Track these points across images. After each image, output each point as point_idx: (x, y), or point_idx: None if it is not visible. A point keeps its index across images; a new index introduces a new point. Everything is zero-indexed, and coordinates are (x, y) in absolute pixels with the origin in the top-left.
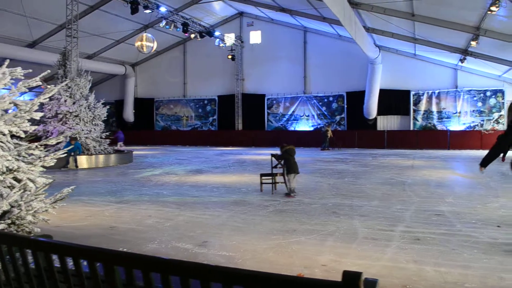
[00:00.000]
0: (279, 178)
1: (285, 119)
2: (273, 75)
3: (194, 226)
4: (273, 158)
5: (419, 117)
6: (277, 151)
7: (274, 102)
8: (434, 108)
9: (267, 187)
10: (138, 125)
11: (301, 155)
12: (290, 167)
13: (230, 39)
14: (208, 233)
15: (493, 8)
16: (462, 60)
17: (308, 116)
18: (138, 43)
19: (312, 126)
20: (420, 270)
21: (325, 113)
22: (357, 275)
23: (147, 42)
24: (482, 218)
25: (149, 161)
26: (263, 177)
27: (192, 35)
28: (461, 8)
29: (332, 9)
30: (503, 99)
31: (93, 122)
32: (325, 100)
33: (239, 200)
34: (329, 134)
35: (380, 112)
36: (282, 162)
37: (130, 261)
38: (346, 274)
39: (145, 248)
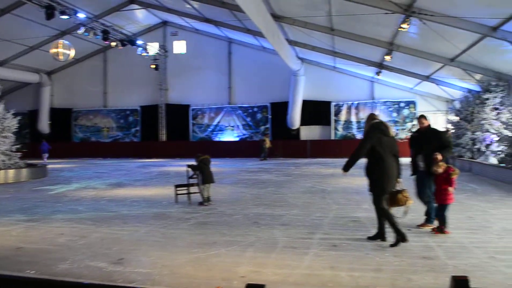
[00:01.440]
0: (195, 189)
1: (210, 129)
2: (198, 86)
3: (110, 243)
4: (189, 169)
5: (340, 127)
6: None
7: (199, 112)
8: (353, 118)
9: (193, 199)
10: (54, 137)
11: (226, 166)
12: (205, 177)
13: (153, 48)
14: (125, 250)
15: (404, 26)
16: (378, 73)
17: (233, 126)
18: (53, 50)
19: (237, 136)
20: (335, 275)
21: (250, 123)
22: (260, 286)
23: (64, 49)
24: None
25: (65, 175)
26: (178, 189)
27: (113, 43)
28: (376, 25)
29: (254, 21)
30: (415, 109)
31: (2, 135)
32: (250, 110)
33: (159, 214)
34: (267, 144)
35: (303, 122)
36: (198, 172)
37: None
38: (249, 286)
39: (55, 269)
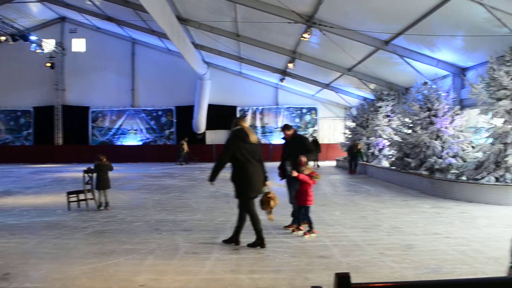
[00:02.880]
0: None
1: (111, 133)
2: (98, 87)
3: None
4: (86, 175)
5: None
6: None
7: (100, 115)
8: (258, 123)
9: (92, 206)
10: None
11: (129, 171)
12: (99, 183)
13: (49, 45)
14: (11, 264)
15: (305, 35)
16: (281, 80)
17: (136, 130)
18: None
19: (141, 140)
20: (235, 279)
21: (154, 127)
22: None
23: None
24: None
25: None
26: (70, 196)
27: (3, 38)
28: (280, 33)
29: (159, 23)
30: (316, 115)
31: None
32: (154, 114)
33: (52, 223)
34: (185, 148)
35: (209, 126)
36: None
37: None
38: None
39: None
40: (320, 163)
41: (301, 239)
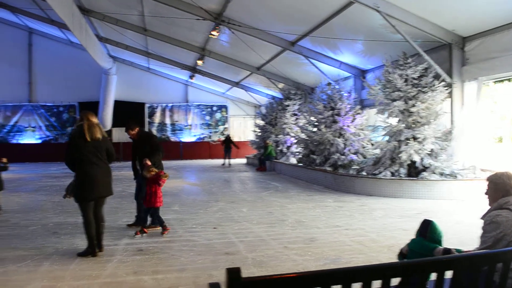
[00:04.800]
0: None
1: (6, 130)
2: None
3: None
4: None
5: (154, 129)
6: None
7: None
8: (168, 121)
9: None
10: None
11: (26, 171)
12: None
13: None
14: None
15: (214, 33)
16: (191, 77)
17: (34, 127)
18: None
19: (40, 138)
20: (138, 280)
21: (55, 124)
22: None
23: None
24: (202, 222)
25: None
26: None
27: None
28: (189, 30)
29: (57, 12)
30: (227, 113)
31: None
32: (55, 110)
33: None
34: None
35: (116, 123)
36: None
37: None
38: None
39: None
40: (231, 160)
41: (206, 237)
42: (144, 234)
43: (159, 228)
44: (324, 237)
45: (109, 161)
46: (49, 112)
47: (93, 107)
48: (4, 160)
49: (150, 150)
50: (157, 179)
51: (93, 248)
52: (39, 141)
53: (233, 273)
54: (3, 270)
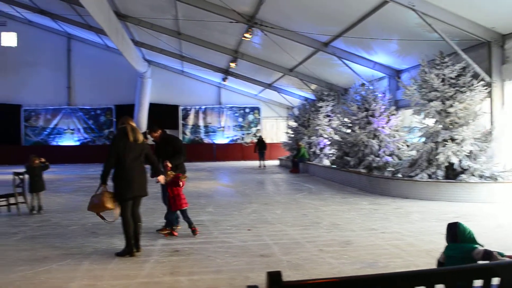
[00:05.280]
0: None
1: (46, 132)
2: (31, 84)
3: None
4: (16, 177)
5: (188, 131)
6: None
7: (33, 113)
8: (201, 123)
9: (23, 210)
10: None
11: (65, 172)
12: (32, 185)
13: None
14: None
15: (247, 35)
16: (224, 79)
17: (73, 129)
18: None
19: (78, 140)
20: (175, 281)
21: (93, 126)
22: None
23: None
24: (237, 223)
25: None
26: None
27: None
28: (222, 32)
29: (95, 18)
30: (259, 115)
31: None
32: (93, 113)
33: None
34: None
35: (150, 125)
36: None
37: None
38: None
39: None
40: (266, 162)
41: (241, 238)
42: (173, 237)
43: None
44: (360, 240)
45: (149, 163)
46: (87, 115)
47: (129, 109)
48: (43, 160)
49: (173, 152)
50: (177, 181)
51: (131, 248)
52: (77, 143)
53: (274, 277)
54: (46, 268)
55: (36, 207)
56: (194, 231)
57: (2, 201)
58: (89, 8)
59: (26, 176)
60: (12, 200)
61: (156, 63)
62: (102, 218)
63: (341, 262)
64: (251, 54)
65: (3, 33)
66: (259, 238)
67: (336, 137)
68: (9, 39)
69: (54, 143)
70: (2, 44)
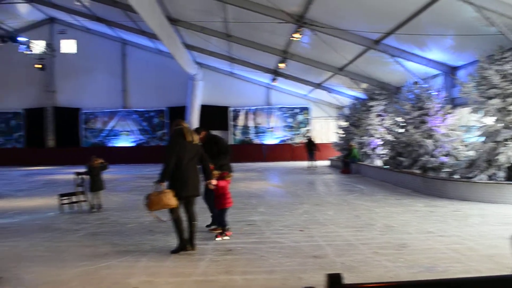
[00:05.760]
0: (84, 197)
1: (103, 134)
2: (89, 88)
3: None
4: (78, 177)
5: (238, 132)
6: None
7: (91, 116)
8: (251, 124)
9: (85, 208)
10: None
11: (122, 172)
12: (93, 184)
13: (38, 46)
14: (3, 268)
15: (296, 35)
16: (273, 80)
17: (128, 131)
18: None
19: (134, 141)
20: (230, 280)
21: (147, 128)
22: None
23: None
24: (288, 224)
25: None
26: (62, 198)
27: None
28: (271, 33)
29: (149, 23)
30: (309, 115)
31: None
32: (146, 115)
33: (44, 226)
34: None
35: (201, 127)
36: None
37: None
38: None
39: None
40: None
41: (293, 239)
42: (226, 238)
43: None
44: (417, 243)
45: (201, 164)
46: (141, 117)
47: (180, 111)
48: (102, 160)
49: (217, 152)
50: (222, 178)
51: (184, 244)
52: (132, 144)
53: (334, 279)
54: (107, 264)
55: (96, 206)
56: (221, 233)
57: (65, 199)
58: (142, 14)
59: (86, 175)
60: (74, 199)
61: (206, 65)
62: (158, 218)
63: (397, 265)
64: (300, 54)
65: (63, 41)
66: (311, 239)
67: (389, 137)
68: (69, 46)
69: (111, 145)
70: (62, 51)
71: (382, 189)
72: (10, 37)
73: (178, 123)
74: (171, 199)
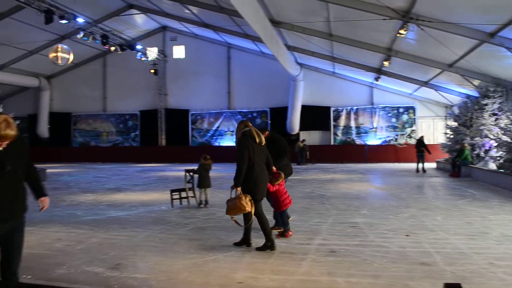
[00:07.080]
0: (192, 193)
1: (209, 134)
2: (197, 90)
3: (107, 248)
4: (188, 174)
5: (339, 132)
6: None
7: (199, 117)
8: (352, 124)
9: (193, 204)
10: (54, 141)
11: (226, 171)
12: (201, 181)
13: (152, 53)
14: (122, 255)
15: (402, 32)
16: (377, 79)
17: (232, 131)
18: (52, 55)
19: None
20: (332, 282)
21: None
22: None
23: (63, 54)
24: (393, 228)
25: (64, 180)
26: (173, 193)
27: (112, 48)
28: (375, 31)
29: (253, 27)
30: (414, 115)
31: None
32: (249, 115)
33: (158, 219)
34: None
35: (303, 127)
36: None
37: None
38: None
39: (52, 274)
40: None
41: (399, 244)
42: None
43: (279, 230)
44: None
45: (267, 164)
46: (245, 117)
47: (282, 112)
48: (208, 157)
49: (276, 153)
50: (274, 179)
51: (272, 242)
52: (234, 144)
53: None
54: (214, 258)
55: (203, 202)
56: (281, 233)
57: (176, 195)
58: (247, 18)
59: (195, 173)
60: (183, 195)
61: (308, 65)
62: (237, 223)
63: None
64: (406, 51)
65: (174, 47)
66: (418, 244)
67: (505, 138)
68: (179, 51)
69: (216, 144)
70: (173, 57)
71: (497, 195)
72: (129, 45)
73: (246, 124)
74: (247, 204)
